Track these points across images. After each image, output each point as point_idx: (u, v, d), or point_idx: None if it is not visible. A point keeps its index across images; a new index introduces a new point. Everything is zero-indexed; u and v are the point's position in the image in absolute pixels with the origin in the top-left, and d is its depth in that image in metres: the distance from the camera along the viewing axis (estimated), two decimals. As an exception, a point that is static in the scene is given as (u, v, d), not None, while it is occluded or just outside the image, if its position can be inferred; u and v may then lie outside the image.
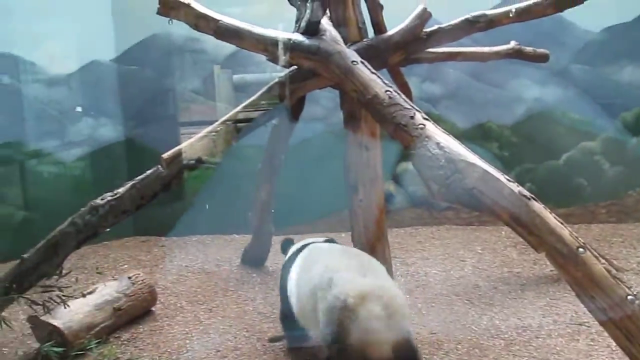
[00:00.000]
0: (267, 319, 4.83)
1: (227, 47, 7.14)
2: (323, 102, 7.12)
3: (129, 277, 4.81)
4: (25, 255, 3.89)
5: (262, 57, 6.74)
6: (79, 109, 7.21)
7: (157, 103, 7.53)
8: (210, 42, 7.16)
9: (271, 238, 5.99)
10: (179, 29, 7.02)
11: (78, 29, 7.02)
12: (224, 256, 6.49)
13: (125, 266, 6.31)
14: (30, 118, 6.92)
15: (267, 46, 4.11)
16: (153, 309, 4.99)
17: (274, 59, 4.29)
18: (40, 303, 3.86)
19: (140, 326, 4.72)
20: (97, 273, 4.77)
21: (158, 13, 4.29)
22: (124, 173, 7.38)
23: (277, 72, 7.30)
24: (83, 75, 7.22)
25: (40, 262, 3.89)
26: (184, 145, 4.11)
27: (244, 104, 4.23)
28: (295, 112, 4.80)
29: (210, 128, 4.10)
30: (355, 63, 3.76)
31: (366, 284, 3.31)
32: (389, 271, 4.26)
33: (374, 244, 4.29)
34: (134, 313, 4.74)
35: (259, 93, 4.25)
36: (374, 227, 4.29)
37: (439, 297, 5.20)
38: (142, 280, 4.85)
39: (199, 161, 4.07)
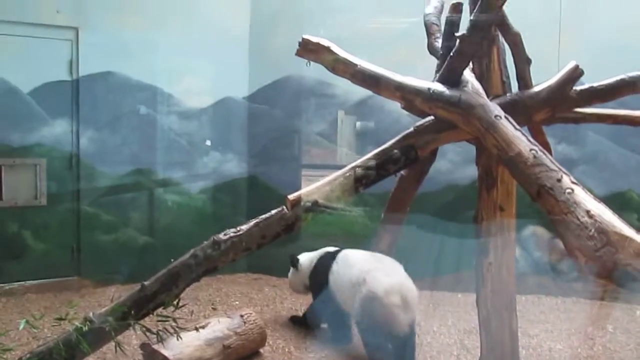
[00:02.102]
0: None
1: (357, 93, 7.15)
2: (450, 156, 6.91)
3: (242, 316, 4.75)
4: (145, 283, 3.91)
5: (392, 106, 6.83)
6: (208, 142, 7.42)
7: (283, 143, 7.61)
8: (340, 86, 7.22)
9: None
10: (312, 72, 7.13)
11: (215, 67, 7.31)
12: (334, 304, 6.34)
13: (237, 302, 6.31)
14: (162, 147, 7.19)
15: (405, 94, 3.98)
16: (261, 350, 4.90)
17: (409, 108, 4.16)
18: (155, 332, 3.85)
19: (247, 367, 4.64)
20: (213, 309, 4.75)
21: (297, 54, 4.30)
22: (244, 209, 7.51)
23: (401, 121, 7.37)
24: (216, 110, 7.45)
25: (159, 291, 3.90)
26: (309, 187, 4.03)
27: (375, 151, 4.10)
28: (426, 164, 4.62)
29: (339, 172, 3.99)
30: (498, 118, 3.56)
31: (389, 282, 4.57)
32: (514, 341, 4.05)
33: (500, 311, 3.98)
34: (242, 353, 4.67)
35: (391, 141, 4.11)
36: (502, 294, 3.98)
37: (564, 376, 4.78)
38: (254, 320, 4.78)
39: (315, 204, 3.96)
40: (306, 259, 5.62)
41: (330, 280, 5.11)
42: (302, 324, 5.54)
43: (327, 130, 7.68)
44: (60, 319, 3.68)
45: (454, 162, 6.92)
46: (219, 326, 4.58)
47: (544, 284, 6.90)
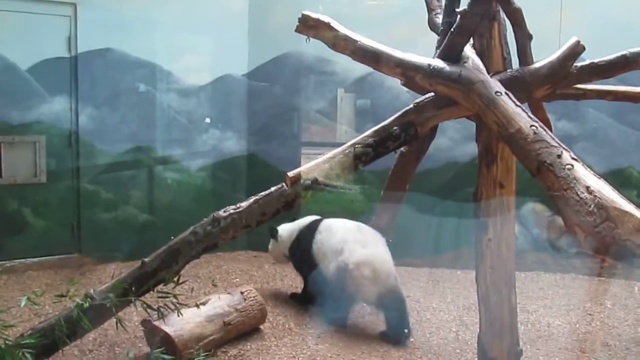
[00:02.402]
0: (375, 352, 4.65)
1: (357, 71, 7.13)
2: (449, 133, 6.89)
3: (242, 292, 4.78)
4: (146, 260, 3.93)
5: (392, 83, 6.80)
6: (207, 120, 7.39)
7: (282, 121, 7.59)
8: (340, 64, 7.19)
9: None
10: (311, 49, 7.09)
11: (215, 44, 7.28)
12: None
13: (237, 280, 6.35)
14: (161, 125, 7.17)
15: (405, 71, 3.96)
16: (261, 327, 4.92)
17: (410, 85, 4.14)
18: (155, 309, 3.87)
19: (248, 343, 4.66)
20: (213, 285, 4.77)
21: (297, 30, 4.27)
22: (244, 186, 7.52)
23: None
24: (215, 87, 7.41)
25: (159, 268, 3.92)
26: (309, 165, 4.02)
27: (374, 129, 4.08)
28: (426, 141, 4.61)
29: (338, 150, 3.98)
30: (499, 94, 3.53)
31: (362, 254, 5.02)
32: (513, 317, 4.07)
33: (499, 287, 3.99)
34: (242, 329, 4.70)
35: (391, 118, 4.10)
36: (501, 270, 3.99)
37: (563, 351, 4.82)
38: (254, 297, 4.80)
39: (315, 182, 3.96)
40: (286, 230, 5.80)
41: (314, 250, 5.39)
42: (302, 301, 5.58)
43: (327, 108, 7.66)
44: (61, 295, 3.72)
45: (454, 139, 6.91)
46: (219, 303, 4.59)
47: (542, 260, 6.94)
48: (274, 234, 5.82)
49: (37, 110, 6.53)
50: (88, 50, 6.70)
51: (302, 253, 5.55)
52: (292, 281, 6.31)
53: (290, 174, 3.92)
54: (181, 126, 7.28)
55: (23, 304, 3.61)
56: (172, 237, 7.03)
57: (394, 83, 6.70)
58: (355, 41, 4.11)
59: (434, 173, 6.86)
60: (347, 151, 3.96)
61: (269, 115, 7.56)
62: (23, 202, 6.51)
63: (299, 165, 7.40)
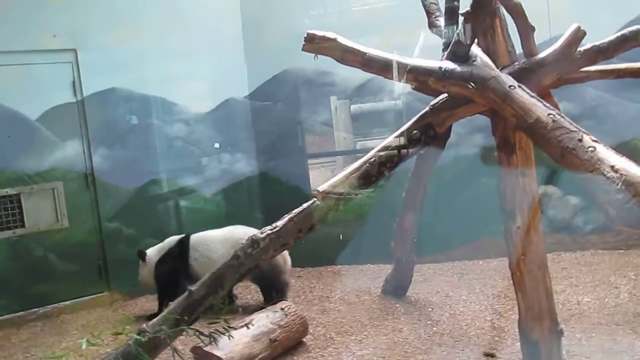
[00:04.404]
0: (419, 350, 4.77)
1: (357, 79, 7.27)
2: (455, 129, 7.01)
3: (282, 309, 4.89)
4: (192, 288, 4.04)
5: (394, 87, 6.96)
6: (216, 145, 7.53)
7: (289, 136, 7.73)
8: (339, 74, 7.33)
9: (413, 267, 5.94)
10: (309, 64, 7.22)
11: (214, 70, 7.42)
12: (361, 286, 6.50)
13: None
14: (172, 155, 7.33)
15: (417, 76, 4.10)
16: (304, 340, 5.04)
17: (422, 89, 4.29)
18: (207, 335, 3.99)
19: (295, 357, 4.79)
20: (261, 307, 4.88)
21: (303, 49, 4.39)
22: (259, 205, 7.64)
23: (394, 100, 7.47)
24: (219, 112, 7.58)
25: (206, 295, 4.02)
26: (337, 177, 4.15)
27: (394, 134, 4.22)
28: (443, 140, 4.76)
29: (364, 159, 4.11)
30: (512, 87, 3.68)
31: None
32: (550, 298, 4.21)
33: (533, 272, 4.13)
34: (287, 344, 4.82)
35: (409, 122, 4.24)
36: (533, 255, 4.13)
37: (597, 326, 4.93)
38: (294, 312, 4.93)
39: (345, 193, 4.09)
40: (153, 250, 6.26)
41: (192, 259, 6.03)
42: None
43: (330, 119, 7.80)
44: (118, 333, 3.83)
45: (459, 134, 7.04)
46: (262, 321, 4.71)
47: (560, 240, 7.05)
48: (142, 255, 6.19)
49: (51, 157, 6.68)
50: (93, 93, 6.85)
51: (169, 272, 6.02)
52: (321, 292, 6.44)
53: (321, 188, 4.05)
54: (191, 154, 7.43)
55: (84, 346, 3.71)
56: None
57: (396, 87, 6.89)
58: (364, 53, 4.22)
59: (446, 169, 6.98)
60: (372, 159, 4.08)
61: (275, 133, 7.71)
62: (48, 248, 6.64)
63: (308, 178, 7.64)
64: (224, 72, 7.45)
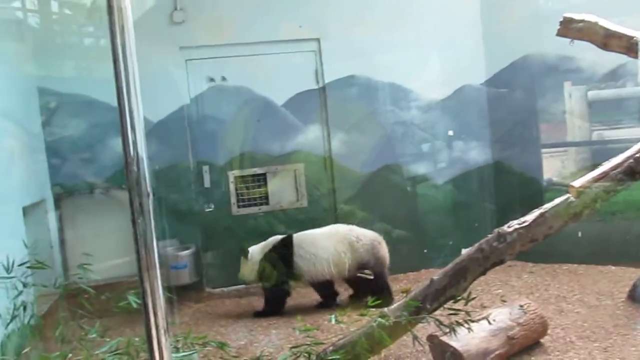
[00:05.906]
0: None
1: (606, 64, 6.72)
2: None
3: (521, 306, 4.71)
4: (434, 278, 4.05)
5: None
6: (450, 132, 7.45)
7: (527, 126, 7.38)
8: (586, 59, 6.81)
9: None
10: (552, 49, 6.84)
11: (451, 56, 7.33)
12: (602, 289, 6.04)
13: (499, 290, 6.27)
14: (406, 142, 7.39)
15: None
16: (542, 340, 4.81)
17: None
18: (447, 325, 3.97)
19: (532, 358, 4.58)
20: (502, 301, 4.77)
21: (558, 34, 4.17)
22: (492, 196, 7.45)
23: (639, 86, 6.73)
24: (455, 99, 7.47)
25: (447, 285, 4.02)
26: (593, 173, 3.88)
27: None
28: None
29: (628, 153, 3.79)
30: None
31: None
32: None
33: None
34: (525, 343, 4.62)
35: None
36: None
37: None
38: (534, 310, 4.71)
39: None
40: (256, 248, 6.22)
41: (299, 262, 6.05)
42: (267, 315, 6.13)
43: (574, 107, 7.30)
44: (362, 315, 3.97)
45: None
46: (500, 317, 4.56)
47: None
48: (245, 253, 6.18)
49: (294, 140, 7.13)
50: (334, 80, 7.14)
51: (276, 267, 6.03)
52: (557, 291, 6.10)
53: (576, 183, 3.81)
54: (425, 141, 7.44)
55: (333, 321, 3.92)
56: (425, 251, 7.23)
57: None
58: (631, 37, 3.89)
59: None
60: (637, 154, 3.75)
61: (512, 122, 7.42)
62: (289, 226, 7.06)
63: (541, 169, 7.25)
64: (461, 58, 7.32)
